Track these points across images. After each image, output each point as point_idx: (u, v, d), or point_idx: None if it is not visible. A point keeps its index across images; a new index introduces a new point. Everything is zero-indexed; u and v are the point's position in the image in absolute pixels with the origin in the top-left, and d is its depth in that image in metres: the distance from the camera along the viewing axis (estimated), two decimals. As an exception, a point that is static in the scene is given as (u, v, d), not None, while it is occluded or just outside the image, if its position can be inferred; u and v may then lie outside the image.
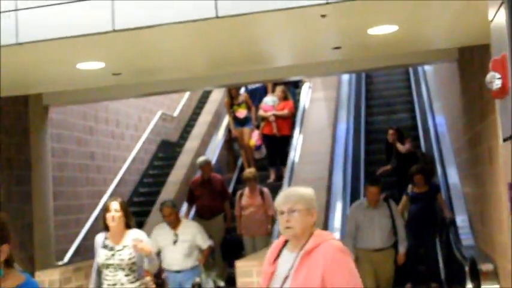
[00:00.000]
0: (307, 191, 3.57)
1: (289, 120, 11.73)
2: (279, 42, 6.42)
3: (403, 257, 7.79)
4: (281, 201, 3.49)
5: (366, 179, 11.17)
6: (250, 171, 9.35)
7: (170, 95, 13.27)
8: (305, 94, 12.66)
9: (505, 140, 2.39)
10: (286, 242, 3.55)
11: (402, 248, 7.76)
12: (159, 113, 13.53)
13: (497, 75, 2.25)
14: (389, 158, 10.68)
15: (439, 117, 10.90)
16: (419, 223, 8.74)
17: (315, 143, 10.58)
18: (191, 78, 8.10)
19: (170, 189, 10.86)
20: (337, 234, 8.34)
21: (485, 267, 6.37)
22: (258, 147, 11.78)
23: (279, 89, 11.89)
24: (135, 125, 12.51)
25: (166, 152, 13.50)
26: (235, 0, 4.82)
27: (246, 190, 9.14)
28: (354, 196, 10.11)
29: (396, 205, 8.10)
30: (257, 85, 12.58)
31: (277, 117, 11.49)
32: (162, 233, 7.37)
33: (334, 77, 12.30)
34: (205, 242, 7.39)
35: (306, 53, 7.18)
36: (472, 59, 7.22)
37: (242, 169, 11.75)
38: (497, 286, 6.29)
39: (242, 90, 12.63)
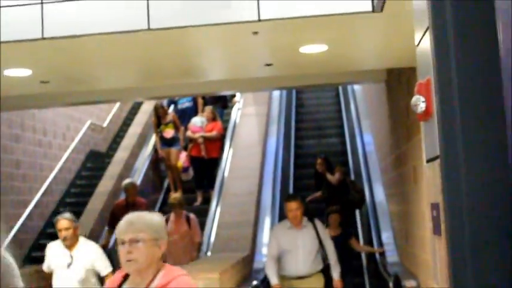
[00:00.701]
0: (154, 217, 3.05)
1: (218, 143, 11.50)
2: (211, 56, 6.44)
3: (340, 283, 6.74)
4: (122, 229, 2.94)
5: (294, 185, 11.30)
6: (174, 197, 8.90)
7: (100, 104, 13.07)
8: (235, 110, 12.70)
9: (428, 161, 2.45)
10: (126, 276, 3.00)
11: (336, 274, 6.73)
12: (88, 123, 13.31)
13: (422, 99, 2.31)
14: (318, 185, 10.39)
15: (367, 136, 11.13)
16: None
17: (245, 158, 10.62)
18: (122, 89, 8.01)
19: (98, 200, 10.68)
20: (264, 250, 8.36)
21: (409, 284, 6.50)
22: (185, 169, 11.47)
23: (208, 110, 11.65)
24: (63, 134, 12.26)
25: (95, 163, 13.28)
26: (168, 12, 4.80)
27: (172, 216, 8.60)
28: (283, 212, 10.16)
29: (323, 226, 7.12)
30: (187, 105, 12.38)
31: (205, 138, 11.23)
32: (57, 253, 6.19)
33: (265, 93, 12.40)
34: (105, 269, 6.11)
35: (238, 68, 7.22)
36: (399, 81, 7.40)
37: (168, 190, 11.49)
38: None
39: (170, 109, 12.36)
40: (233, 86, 8.45)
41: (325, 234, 6.91)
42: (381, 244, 8.48)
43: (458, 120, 2.12)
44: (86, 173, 12.94)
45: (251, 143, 11.11)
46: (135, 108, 14.55)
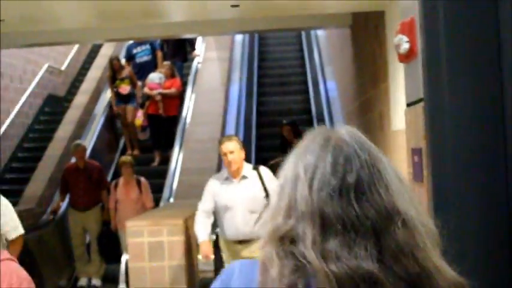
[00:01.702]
0: None
1: (177, 100, 10.87)
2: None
3: None
4: None
5: (257, 145, 11.17)
6: (125, 158, 8.36)
7: (57, 47, 12.66)
8: (196, 64, 12.43)
9: (409, 105, 2.35)
10: None
11: None
12: (45, 66, 12.91)
13: (405, 39, 2.20)
14: (284, 151, 9.99)
15: (330, 83, 11.03)
16: None
17: (207, 103, 10.45)
18: (80, 30, 7.72)
19: (57, 145, 10.41)
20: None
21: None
22: (144, 128, 10.89)
23: (166, 66, 11.01)
24: (20, 77, 11.88)
25: (53, 107, 12.94)
26: None
27: (121, 180, 8.07)
28: (246, 159, 10.08)
29: (272, 175, 5.50)
30: (145, 59, 11.65)
31: (163, 96, 10.61)
32: None
33: (227, 37, 12.16)
34: (15, 230, 4.67)
35: (202, 8, 6.99)
36: (366, 25, 7.28)
37: (124, 150, 10.97)
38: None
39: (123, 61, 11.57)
40: (196, 28, 8.22)
41: (273, 182, 5.25)
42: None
43: (444, 61, 2.02)
44: (44, 118, 12.62)
45: (213, 88, 10.92)
46: (94, 52, 14.15)
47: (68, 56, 14.20)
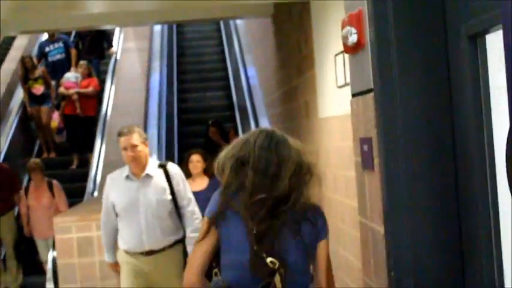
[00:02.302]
0: None
1: (94, 100, 10.35)
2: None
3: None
4: None
5: (179, 137, 11.08)
6: (33, 161, 7.86)
7: (-33, 39, 12.16)
8: (116, 43, 12.22)
9: (354, 95, 2.41)
10: None
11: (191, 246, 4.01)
12: (-46, 58, 12.38)
13: (353, 30, 2.25)
14: (208, 150, 8.84)
15: (251, 70, 11.08)
16: None
17: (128, 93, 10.31)
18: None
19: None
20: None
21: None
22: (60, 130, 10.45)
23: (83, 65, 10.44)
24: None
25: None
26: None
27: (32, 184, 7.59)
28: (169, 149, 10.03)
29: (182, 173, 4.70)
30: (58, 57, 11.13)
31: (80, 95, 10.04)
32: None
33: (146, 27, 12.02)
34: None
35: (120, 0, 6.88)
36: (290, 15, 7.35)
37: (40, 153, 10.46)
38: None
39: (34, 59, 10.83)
40: (116, 19, 8.10)
41: (184, 186, 4.53)
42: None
43: (394, 51, 2.08)
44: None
45: (134, 78, 10.78)
46: (6, 43, 13.67)
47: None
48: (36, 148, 10.86)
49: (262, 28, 9.69)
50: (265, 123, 9.52)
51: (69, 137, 10.30)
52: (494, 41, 1.82)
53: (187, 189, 4.58)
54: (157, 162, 4.59)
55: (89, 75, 10.37)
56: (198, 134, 10.28)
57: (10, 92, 11.20)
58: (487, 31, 1.82)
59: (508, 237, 1.83)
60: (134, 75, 10.91)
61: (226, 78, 12.75)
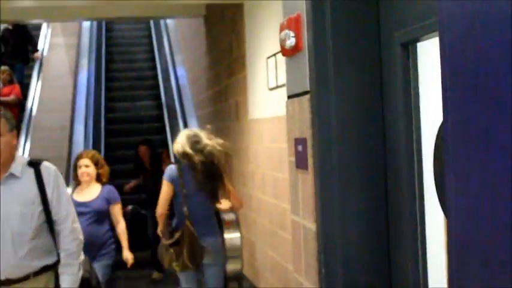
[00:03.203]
0: None
1: (16, 108, 9.77)
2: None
3: None
4: None
5: (106, 133, 10.94)
6: None
7: None
8: (43, 38, 11.97)
9: (290, 96, 2.47)
10: None
11: (66, 280, 3.37)
12: None
13: (292, 34, 2.31)
14: (137, 170, 8.05)
15: (181, 70, 11.08)
16: None
17: (55, 89, 10.13)
18: None
19: None
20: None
21: (228, 217, 6.66)
22: None
23: (5, 71, 9.92)
24: None
25: None
26: None
27: None
28: (96, 147, 9.91)
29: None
30: None
31: (1, 104, 8.90)
32: None
33: (75, 23, 11.84)
34: None
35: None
36: (222, 17, 7.40)
37: None
38: (239, 234, 6.62)
39: None
40: (44, 13, 7.96)
41: (61, 194, 3.35)
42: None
43: (330, 55, 2.16)
44: None
45: (61, 74, 10.61)
46: None
47: None
48: None
49: (192, 28, 9.71)
50: (193, 123, 9.54)
51: None
52: (425, 49, 1.93)
53: (65, 198, 3.40)
54: (27, 159, 3.42)
55: (10, 82, 9.88)
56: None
57: None
58: (418, 40, 1.92)
59: (434, 240, 1.94)
60: (61, 72, 10.73)
61: (155, 77, 12.67)
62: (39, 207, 3.31)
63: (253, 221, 6.26)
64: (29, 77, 10.87)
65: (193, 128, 5.99)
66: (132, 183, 8.08)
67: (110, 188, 5.42)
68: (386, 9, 2.12)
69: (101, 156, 5.59)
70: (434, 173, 1.85)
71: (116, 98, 12.10)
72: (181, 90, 10.77)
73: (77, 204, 4.90)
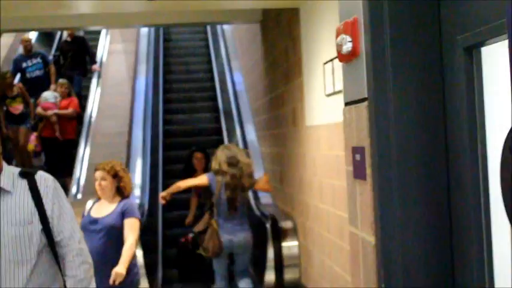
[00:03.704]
0: None
1: (75, 121, 9.90)
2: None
3: None
4: None
5: (164, 137, 11.04)
6: None
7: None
8: (102, 45, 12.17)
9: (347, 103, 2.39)
10: None
11: None
12: None
13: (348, 38, 2.23)
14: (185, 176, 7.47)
15: (238, 76, 11.07)
16: None
17: (113, 96, 10.25)
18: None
19: None
20: (137, 191, 8.17)
21: (286, 224, 6.60)
22: (37, 154, 9.94)
23: (64, 85, 9.92)
24: None
25: None
26: None
27: None
28: (154, 152, 9.99)
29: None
30: (37, 73, 10.61)
31: (59, 117, 9.63)
32: None
33: (133, 30, 11.99)
34: None
35: (110, 1, 6.83)
36: (278, 22, 7.34)
37: None
38: (297, 243, 6.55)
39: (17, 80, 10.45)
40: (104, 20, 8.06)
41: (63, 209, 2.83)
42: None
43: (389, 61, 2.06)
44: None
45: (120, 80, 10.73)
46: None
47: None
48: None
49: (249, 34, 9.68)
50: (250, 130, 9.51)
51: (47, 161, 9.77)
52: (490, 54, 1.82)
53: (68, 214, 2.86)
54: (18, 170, 2.84)
55: (69, 94, 9.88)
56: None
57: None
58: (483, 43, 1.81)
59: (500, 253, 1.82)
60: (120, 78, 10.85)
61: (213, 88, 12.62)
62: (38, 227, 2.74)
63: (310, 230, 6.17)
64: (87, 88, 10.88)
65: (231, 145, 6.79)
66: (191, 216, 7.89)
67: (128, 202, 4.92)
68: (448, 12, 2.01)
69: (121, 167, 5.03)
70: (501, 182, 1.74)
71: (174, 109, 12.11)
72: (238, 96, 10.76)
73: (89, 221, 4.75)
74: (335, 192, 5.13)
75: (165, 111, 11.76)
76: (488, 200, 1.85)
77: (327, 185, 5.37)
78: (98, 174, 4.88)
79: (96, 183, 4.88)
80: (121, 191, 4.88)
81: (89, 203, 5.06)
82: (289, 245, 6.59)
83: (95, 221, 4.76)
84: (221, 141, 10.44)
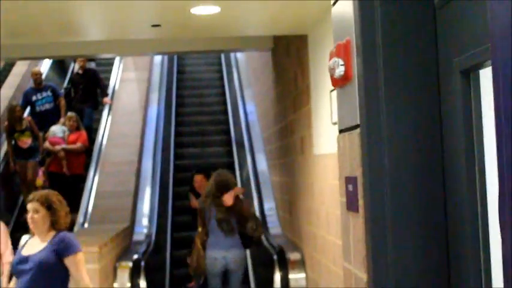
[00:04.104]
0: None
1: (83, 156, 9.73)
2: (91, 12, 5.96)
3: None
4: None
5: (176, 169, 10.93)
6: None
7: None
8: (115, 73, 12.15)
9: (342, 131, 2.26)
10: None
11: None
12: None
13: (341, 62, 2.10)
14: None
15: (250, 106, 10.98)
16: None
17: (124, 124, 10.18)
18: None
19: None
20: (145, 220, 8.06)
21: (293, 256, 6.44)
22: (45, 188, 9.19)
23: (72, 117, 9.76)
24: None
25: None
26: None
27: None
28: (163, 181, 9.88)
29: None
30: (46, 107, 10.49)
31: (67, 152, 9.47)
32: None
33: (146, 58, 11.96)
34: None
35: (122, 28, 6.80)
36: (287, 49, 7.26)
37: (23, 210, 9.00)
38: (304, 275, 6.38)
39: (26, 113, 10.34)
40: (115, 47, 8.02)
41: None
42: (263, 215, 8.37)
43: (382, 85, 1.93)
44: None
45: (131, 109, 10.67)
46: (6, 70, 13.61)
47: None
48: (18, 206, 9.95)
49: (262, 62, 9.61)
50: (261, 159, 9.38)
51: None
52: (488, 76, 1.68)
53: None
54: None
55: (77, 128, 9.73)
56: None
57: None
58: (480, 66, 1.68)
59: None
60: (132, 106, 10.80)
61: (227, 122, 12.48)
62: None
63: (317, 261, 6.00)
64: (98, 121, 10.73)
65: (224, 171, 6.91)
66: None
67: (63, 235, 4.33)
68: (444, 33, 1.88)
69: (58, 198, 4.50)
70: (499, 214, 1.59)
71: (185, 143, 11.97)
72: (250, 126, 10.63)
73: (19, 260, 4.26)
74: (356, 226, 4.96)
75: (177, 144, 11.58)
76: (487, 232, 1.70)
77: (334, 216, 5.22)
78: (30, 205, 4.31)
79: (28, 216, 4.32)
80: (54, 226, 4.32)
81: (23, 239, 4.52)
82: (297, 277, 6.42)
83: (25, 260, 4.21)
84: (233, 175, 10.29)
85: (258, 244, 7.14)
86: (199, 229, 6.61)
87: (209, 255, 6.41)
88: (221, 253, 6.38)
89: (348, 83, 2.11)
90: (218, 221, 6.43)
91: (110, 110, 10.81)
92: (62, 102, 10.70)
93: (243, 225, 6.41)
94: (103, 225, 7.68)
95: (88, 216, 8.25)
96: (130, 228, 7.78)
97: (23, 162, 9.53)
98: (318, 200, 5.86)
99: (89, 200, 8.59)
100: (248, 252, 8.96)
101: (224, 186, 6.50)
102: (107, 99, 11.10)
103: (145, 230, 7.92)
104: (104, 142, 9.93)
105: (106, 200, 8.41)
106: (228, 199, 6.45)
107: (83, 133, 9.80)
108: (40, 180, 9.51)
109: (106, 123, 10.42)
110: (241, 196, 6.82)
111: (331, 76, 2.19)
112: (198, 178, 8.09)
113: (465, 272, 1.78)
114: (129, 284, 6.26)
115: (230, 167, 10.85)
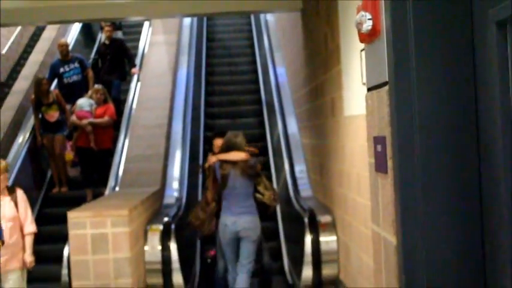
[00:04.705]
0: None
1: (111, 130, 9.46)
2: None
3: None
4: None
5: (205, 131, 10.91)
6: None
7: (-3, 30, 12.13)
8: (144, 37, 12.09)
9: (370, 89, 2.16)
10: None
11: None
12: (-16, 50, 12.37)
13: (368, 16, 2.00)
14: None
15: (280, 68, 10.83)
16: None
17: (154, 88, 10.12)
18: (11, 9, 7.31)
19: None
20: (175, 184, 8.05)
21: (324, 219, 6.37)
22: (75, 164, 9.53)
23: (99, 90, 9.47)
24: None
25: (-8, 93, 12.39)
26: None
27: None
28: (194, 145, 9.86)
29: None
30: (74, 79, 10.26)
31: (95, 126, 9.21)
32: None
33: (175, 21, 11.86)
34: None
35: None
36: (317, 10, 7.09)
37: (51, 186, 9.61)
38: (335, 237, 6.32)
39: (53, 85, 10.11)
40: (142, 9, 7.92)
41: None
42: (293, 178, 8.31)
43: (412, 39, 1.83)
44: (-17, 104, 12.08)
45: (160, 72, 10.60)
46: (37, 35, 13.64)
47: (9, 40, 13.65)
48: (46, 181, 9.90)
49: (291, 23, 9.46)
50: (292, 122, 9.29)
51: (82, 171, 9.44)
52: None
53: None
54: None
55: (105, 101, 9.50)
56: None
57: (18, 120, 10.31)
58: (518, 16, 1.57)
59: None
60: (161, 69, 10.73)
61: (258, 91, 12.32)
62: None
63: (348, 224, 5.92)
64: (126, 92, 10.55)
65: (236, 133, 6.70)
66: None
67: None
68: (479, -18, 1.76)
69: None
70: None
71: (216, 114, 11.85)
72: (280, 89, 10.51)
73: None
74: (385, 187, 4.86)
75: (206, 125, 11.40)
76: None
77: (365, 178, 5.12)
78: None
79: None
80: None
81: None
82: (328, 240, 6.35)
83: None
84: (266, 153, 10.22)
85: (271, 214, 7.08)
86: (208, 186, 6.58)
87: (221, 222, 6.26)
88: (231, 219, 6.21)
89: (376, 39, 2.01)
90: (222, 176, 6.34)
91: (138, 78, 10.75)
92: (90, 73, 10.51)
93: (256, 189, 6.35)
94: (134, 188, 7.68)
95: (119, 180, 8.27)
96: (161, 192, 7.78)
97: (50, 136, 9.42)
98: (348, 162, 5.76)
99: (120, 164, 8.60)
100: (279, 215, 8.95)
101: (233, 145, 6.47)
102: (135, 70, 10.82)
103: (175, 193, 7.91)
104: (134, 106, 9.91)
105: (136, 164, 8.41)
106: (234, 155, 6.36)
107: (111, 106, 9.55)
108: (70, 154, 9.43)
109: (136, 89, 10.38)
110: (251, 161, 6.42)
111: (359, 31, 2.09)
112: (218, 142, 7.73)
113: (501, 234, 1.69)
114: (159, 247, 6.27)
115: (262, 138, 10.78)
